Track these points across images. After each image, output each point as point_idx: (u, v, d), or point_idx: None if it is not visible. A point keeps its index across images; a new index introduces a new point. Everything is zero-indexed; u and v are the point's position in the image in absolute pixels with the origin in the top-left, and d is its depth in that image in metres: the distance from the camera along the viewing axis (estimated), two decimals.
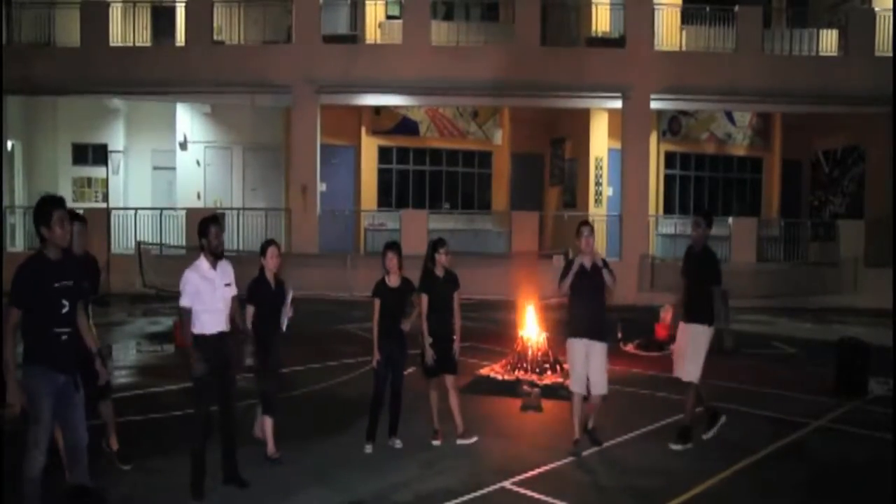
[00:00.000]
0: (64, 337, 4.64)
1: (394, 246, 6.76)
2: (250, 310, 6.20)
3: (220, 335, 5.61)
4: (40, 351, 4.58)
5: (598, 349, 6.73)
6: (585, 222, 7.03)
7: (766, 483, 6.19)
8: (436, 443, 6.87)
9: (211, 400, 5.61)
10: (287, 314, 6.32)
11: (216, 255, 5.64)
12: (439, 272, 6.82)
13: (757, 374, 10.10)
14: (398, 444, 6.75)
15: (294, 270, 12.80)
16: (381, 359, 6.63)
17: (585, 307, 6.70)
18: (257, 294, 6.24)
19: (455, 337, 6.87)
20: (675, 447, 6.85)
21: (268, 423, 6.29)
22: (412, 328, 6.79)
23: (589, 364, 6.70)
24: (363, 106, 20.14)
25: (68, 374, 4.66)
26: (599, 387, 6.75)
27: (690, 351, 6.92)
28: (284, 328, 6.35)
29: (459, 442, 6.84)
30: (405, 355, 6.80)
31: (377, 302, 6.66)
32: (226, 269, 5.71)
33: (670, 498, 5.74)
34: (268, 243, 6.44)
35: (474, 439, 6.87)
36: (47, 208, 4.60)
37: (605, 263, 6.75)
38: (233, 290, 5.73)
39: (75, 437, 4.76)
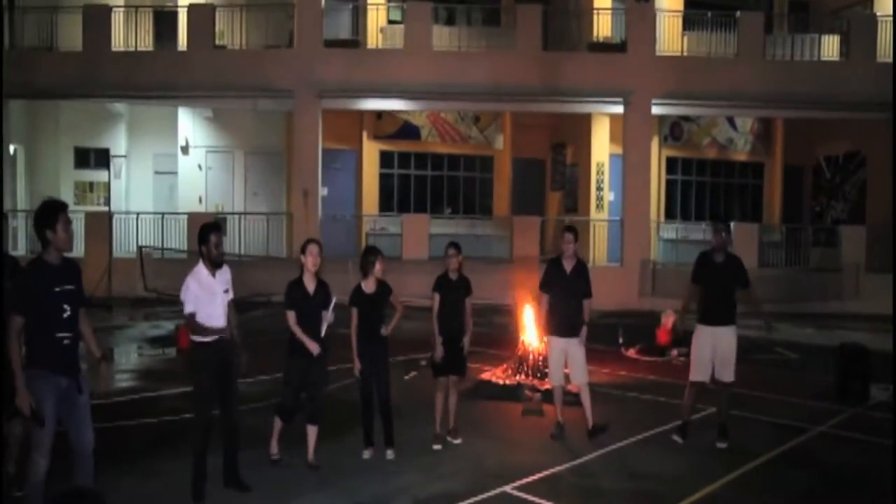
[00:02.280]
0: (66, 342, 4.64)
1: (378, 251, 6.72)
2: (291, 315, 6.11)
3: (221, 340, 5.59)
4: (42, 355, 4.57)
5: (575, 344, 7.18)
6: (570, 227, 7.43)
7: (768, 488, 6.17)
8: (437, 447, 6.88)
9: (212, 403, 5.61)
10: (327, 320, 6.19)
11: (215, 264, 5.61)
12: (452, 275, 6.94)
13: (758, 380, 10.07)
14: (390, 455, 6.62)
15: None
16: (363, 366, 6.56)
17: (563, 309, 7.16)
18: (292, 298, 6.13)
19: (465, 339, 6.95)
20: (722, 445, 7.05)
21: (311, 432, 6.25)
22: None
23: (568, 358, 7.22)
24: (365, 110, 20.18)
25: (70, 377, 4.66)
26: (579, 376, 7.23)
27: (730, 353, 7.08)
28: (323, 333, 6.21)
29: (447, 438, 7.01)
30: (387, 362, 6.73)
31: (354, 310, 6.57)
32: (224, 276, 5.69)
33: (671, 502, 5.73)
34: (308, 241, 6.26)
35: (458, 441, 7.02)
36: (52, 211, 4.61)
37: (585, 272, 7.23)
38: (230, 296, 5.70)
39: (81, 440, 4.74)
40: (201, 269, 5.58)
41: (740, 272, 7.17)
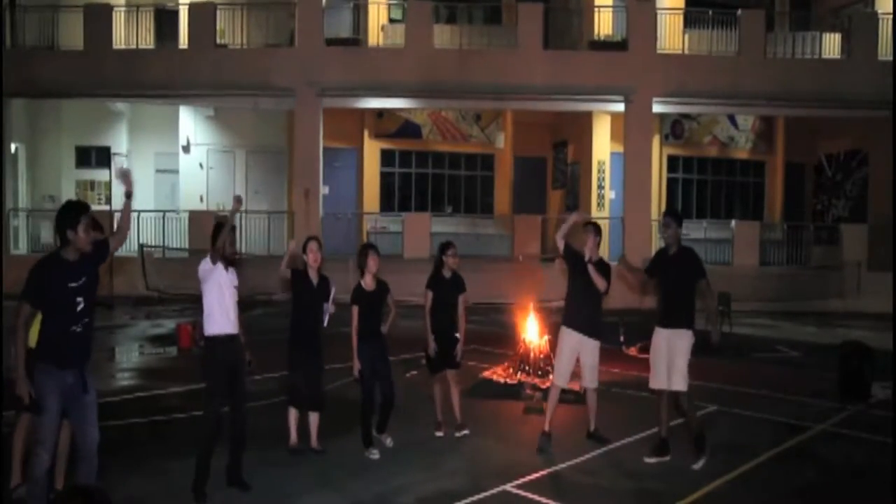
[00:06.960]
0: (78, 330, 4.70)
1: (374, 247, 6.76)
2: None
3: (231, 337, 5.64)
4: (52, 346, 4.61)
5: (591, 346, 6.95)
6: (592, 223, 7.10)
7: (769, 487, 6.17)
8: (439, 434, 7.03)
9: (223, 402, 5.62)
10: (329, 310, 6.52)
11: (229, 262, 5.67)
12: (446, 273, 7.05)
13: (760, 378, 10.09)
14: (389, 441, 6.81)
15: None
16: (363, 367, 6.55)
17: (579, 303, 6.91)
18: (297, 287, 6.44)
19: (458, 335, 7.03)
20: (697, 466, 6.42)
21: (313, 419, 6.54)
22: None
23: (581, 359, 6.96)
24: (366, 109, 20.19)
25: (77, 368, 4.68)
26: (590, 380, 7.02)
27: (680, 360, 6.55)
28: (326, 323, 6.54)
29: (456, 434, 7.06)
30: (388, 360, 6.76)
31: (355, 308, 6.58)
32: (233, 273, 5.77)
33: (673, 501, 5.72)
34: (309, 239, 6.56)
35: (466, 432, 7.08)
36: (77, 213, 4.72)
37: (602, 263, 6.85)
38: (236, 295, 5.78)
39: (85, 439, 4.76)
40: (217, 264, 5.62)
41: (693, 262, 6.61)
